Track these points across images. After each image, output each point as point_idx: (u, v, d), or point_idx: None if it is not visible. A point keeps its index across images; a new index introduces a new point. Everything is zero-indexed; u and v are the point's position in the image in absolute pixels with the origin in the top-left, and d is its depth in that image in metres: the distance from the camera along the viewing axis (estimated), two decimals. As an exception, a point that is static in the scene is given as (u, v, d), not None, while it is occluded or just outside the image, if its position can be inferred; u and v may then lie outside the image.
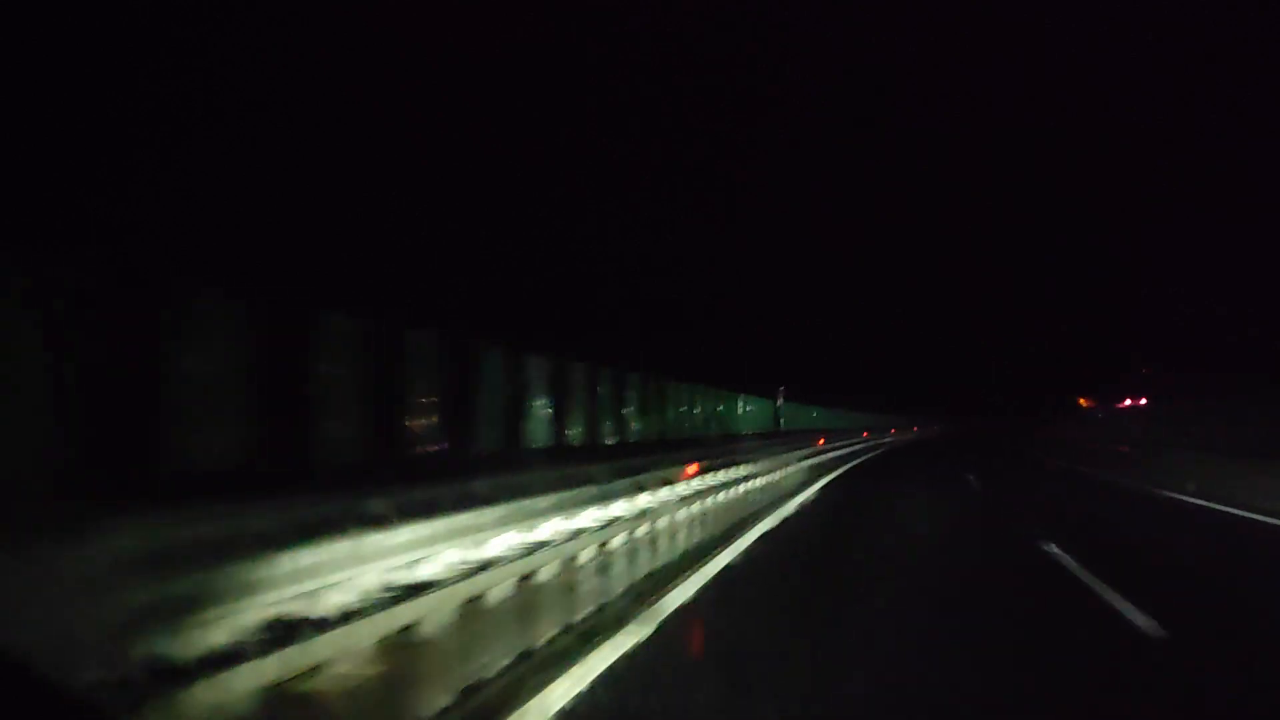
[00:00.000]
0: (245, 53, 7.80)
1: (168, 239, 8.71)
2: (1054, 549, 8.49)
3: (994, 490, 17.94)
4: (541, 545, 5.34)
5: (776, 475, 15.15)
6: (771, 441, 17.82)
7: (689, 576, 7.16)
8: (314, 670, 3.33)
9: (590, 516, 6.66)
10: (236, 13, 7.26)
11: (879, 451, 36.25)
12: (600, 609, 5.88)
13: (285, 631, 3.23)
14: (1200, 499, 13.81)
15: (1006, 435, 60.97)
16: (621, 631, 5.30)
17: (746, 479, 12.30)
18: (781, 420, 26.51)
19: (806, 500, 14.81)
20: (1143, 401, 44.93)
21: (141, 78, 7.46)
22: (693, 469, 9.39)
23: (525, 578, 4.93)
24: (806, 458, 19.56)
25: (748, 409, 24.44)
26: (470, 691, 4.07)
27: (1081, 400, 57.65)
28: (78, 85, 6.97)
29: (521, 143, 10.49)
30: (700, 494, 9.40)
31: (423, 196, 11.84)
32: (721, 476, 10.69)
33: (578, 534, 6.01)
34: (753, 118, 10.28)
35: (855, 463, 27.66)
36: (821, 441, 23.55)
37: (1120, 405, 47.72)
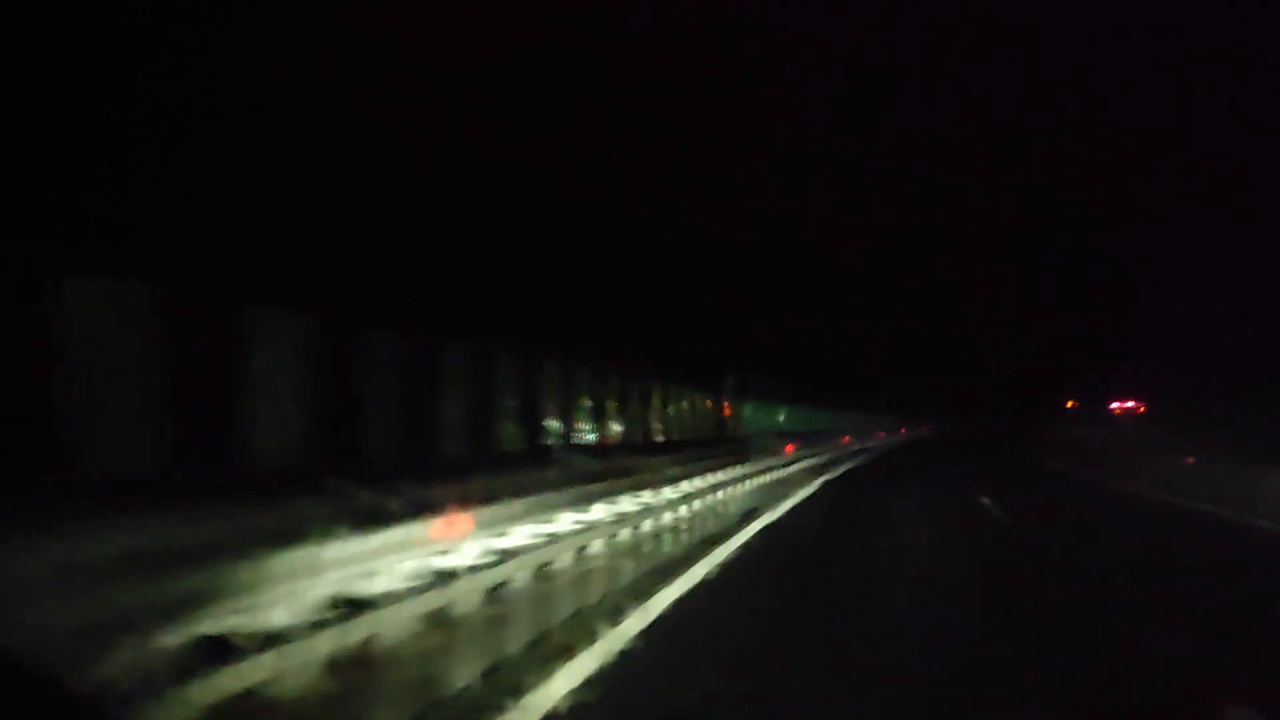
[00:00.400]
0: (245, 53, 7.79)
1: (167, 239, 8.69)
2: None
3: (1031, 527, 12.36)
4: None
5: (699, 505, 11.70)
6: (684, 455, 14.23)
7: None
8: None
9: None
10: (236, 13, 7.25)
11: (862, 460, 32.09)
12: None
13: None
14: None
15: (1007, 436, 60.66)
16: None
17: (633, 519, 8.45)
18: (728, 424, 22.25)
19: (749, 540, 11.13)
20: (1130, 403, 44.84)
21: (142, 78, 7.45)
22: (451, 524, 5.49)
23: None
24: (750, 476, 15.86)
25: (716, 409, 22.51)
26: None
27: (1069, 402, 57.29)
28: (77, 85, 6.96)
29: (521, 143, 10.47)
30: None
31: (422, 196, 11.82)
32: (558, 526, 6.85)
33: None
34: (753, 118, 10.28)
35: (827, 477, 22.30)
36: (791, 448, 20.75)
37: (1110, 406, 47.64)
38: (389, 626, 3.93)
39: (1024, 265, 20.50)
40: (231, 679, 3.17)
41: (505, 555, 5.42)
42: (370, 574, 4.27)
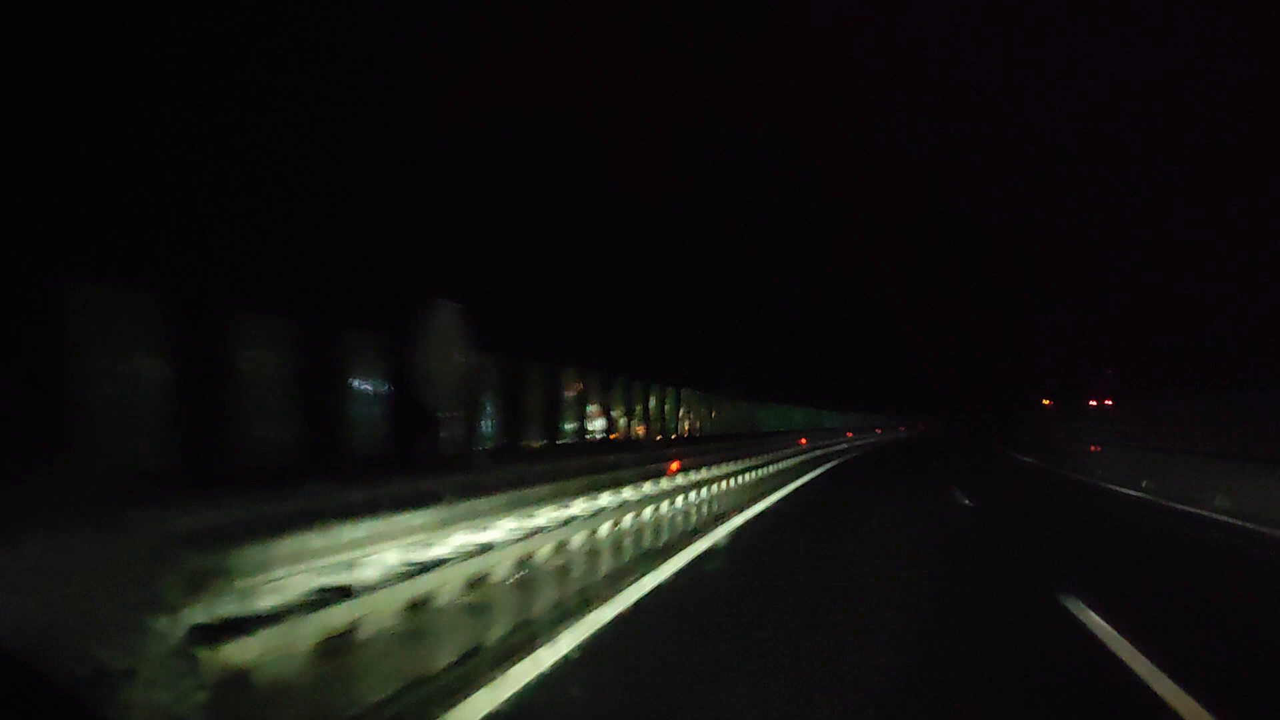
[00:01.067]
0: (245, 52, 7.78)
1: (167, 238, 8.67)
2: None
3: None
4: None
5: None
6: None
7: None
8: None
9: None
10: (236, 12, 7.24)
11: (820, 474, 22.12)
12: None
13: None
14: None
15: (1008, 439, 59.86)
16: None
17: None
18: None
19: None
20: (1108, 401, 44.42)
21: (141, 77, 7.44)
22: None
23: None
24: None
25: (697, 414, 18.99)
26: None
27: (1045, 401, 56.59)
28: (77, 85, 6.95)
29: (526, 144, 10.48)
30: None
31: (423, 196, 11.80)
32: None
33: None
34: (753, 119, 10.27)
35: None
36: (677, 466, 13.18)
37: (1089, 403, 47.27)
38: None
39: (1024, 265, 20.49)
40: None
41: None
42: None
